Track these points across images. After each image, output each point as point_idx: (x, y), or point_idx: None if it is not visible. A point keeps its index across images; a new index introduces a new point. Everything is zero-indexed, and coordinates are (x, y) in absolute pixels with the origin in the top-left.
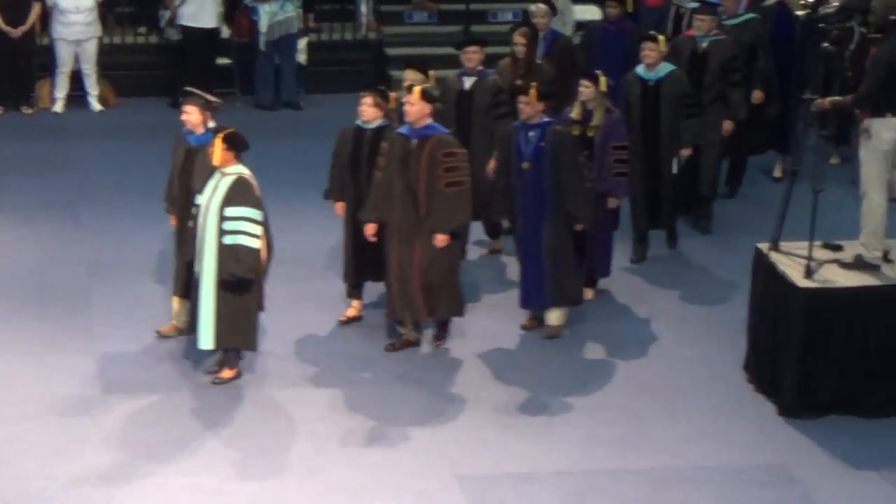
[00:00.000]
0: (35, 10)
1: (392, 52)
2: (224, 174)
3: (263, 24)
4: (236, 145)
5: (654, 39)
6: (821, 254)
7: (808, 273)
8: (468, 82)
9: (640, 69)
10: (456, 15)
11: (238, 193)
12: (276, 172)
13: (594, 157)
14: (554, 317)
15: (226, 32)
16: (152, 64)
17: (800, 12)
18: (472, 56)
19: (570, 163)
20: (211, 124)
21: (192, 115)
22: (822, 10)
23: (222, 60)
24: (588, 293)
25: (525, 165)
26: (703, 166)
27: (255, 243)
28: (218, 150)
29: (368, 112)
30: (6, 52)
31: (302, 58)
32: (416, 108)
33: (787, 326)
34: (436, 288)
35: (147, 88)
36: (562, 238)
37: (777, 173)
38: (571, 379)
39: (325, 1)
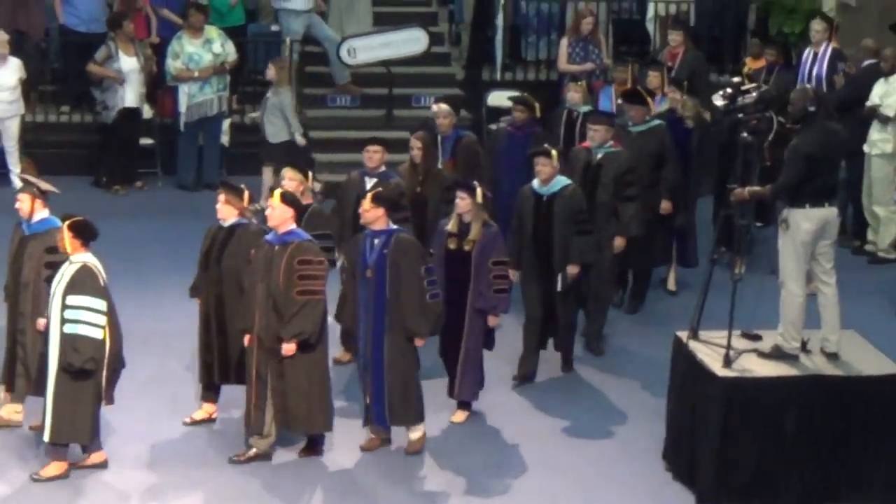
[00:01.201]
0: None
1: (315, 134)
2: (70, 262)
3: (183, 105)
4: (83, 233)
5: (548, 154)
6: (740, 343)
7: (727, 362)
8: (369, 183)
9: (535, 183)
10: (379, 99)
11: (80, 282)
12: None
13: (471, 272)
14: (414, 432)
15: (148, 112)
16: (75, 142)
17: (718, 102)
18: (372, 155)
19: (410, 274)
20: (43, 212)
21: (23, 203)
22: (741, 101)
23: (145, 140)
24: (459, 416)
25: (368, 273)
26: (594, 283)
27: (97, 333)
28: (66, 237)
29: (220, 210)
30: None
31: (225, 139)
32: (276, 212)
33: (705, 414)
34: (296, 400)
35: (69, 167)
36: (402, 352)
37: (671, 286)
38: (486, 463)
39: (249, 83)
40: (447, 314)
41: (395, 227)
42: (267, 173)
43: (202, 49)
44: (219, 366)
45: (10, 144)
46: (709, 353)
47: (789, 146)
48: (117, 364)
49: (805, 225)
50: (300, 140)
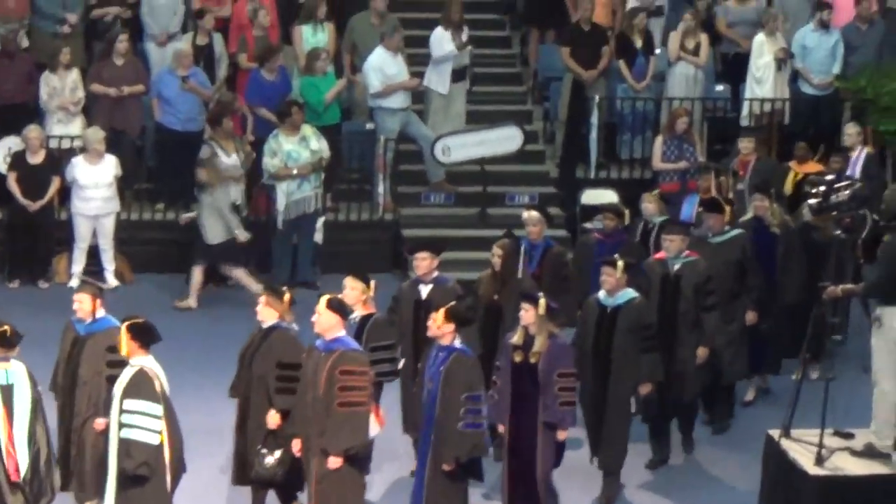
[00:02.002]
0: (54, 185)
1: (409, 233)
2: (130, 365)
3: (281, 203)
4: (142, 336)
5: (613, 264)
6: (832, 441)
7: (819, 460)
8: (424, 291)
9: (600, 294)
10: (473, 197)
11: (137, 386)
12: None
13: (539, 385)
14: None
15: (243, 211)
16: (168, 241)
17: (811, 200)
18: (420, 263)
19: (452, 397)
20: (100, 311)
21: (83, 304)
22: (834, 199)
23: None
24: None
25: (428, 384)
26: (675, 397)
27: (152, 438)
28: (123, 339)
29: (260, 312)
30: (24, 225)
31: (318, 237)
32: (322, 318)
33: None
34: None
35: (163, 265)
36: (441, 476)
37: (749, 397)
38: None
39: (343, 180)
40: (516, 429)
41: (458, 345)
42: (198, 273)
43: (299, 146)
44: (235, 468)
45: (104, 242)
46: (801, 451)
47: (882, 244)
48: (179, 468)
49: None
50: (242, 236)
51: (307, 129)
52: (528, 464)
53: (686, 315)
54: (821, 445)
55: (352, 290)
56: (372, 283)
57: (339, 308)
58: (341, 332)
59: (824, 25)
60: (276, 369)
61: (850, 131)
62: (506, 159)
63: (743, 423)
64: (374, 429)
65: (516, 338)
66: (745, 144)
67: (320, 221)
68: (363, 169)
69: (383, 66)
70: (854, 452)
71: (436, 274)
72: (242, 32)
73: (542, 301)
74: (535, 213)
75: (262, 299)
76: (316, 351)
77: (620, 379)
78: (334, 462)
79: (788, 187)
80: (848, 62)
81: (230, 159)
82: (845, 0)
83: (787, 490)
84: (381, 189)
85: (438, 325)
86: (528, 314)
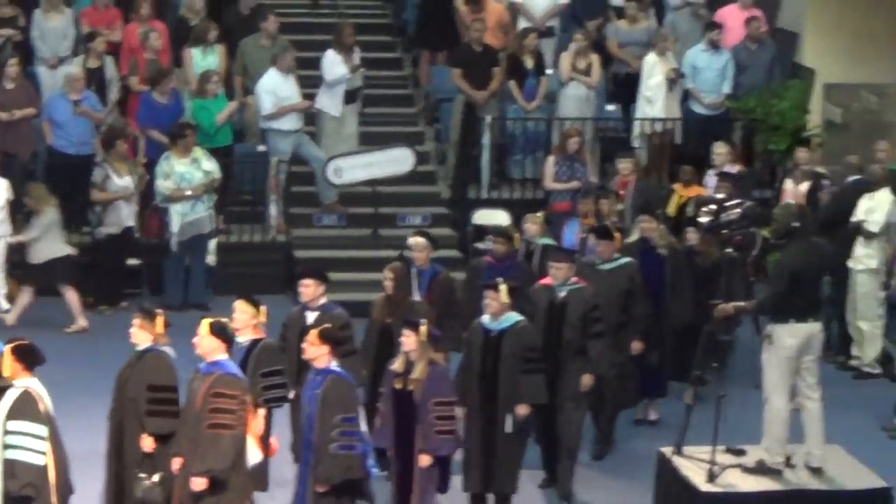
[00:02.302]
0: None
1: (301, 254)
2: (14, 387)
3: (175, 225)
4: (26, 357)
5: (495, 287)
6: (724, 458)
7: (711, 477)
8: (311, 317)
9: (485, 318)
10: (365, 218)
11: (21, 408)
12: (185, 374)
13: (417, 413)
14: None
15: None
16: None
17: (703, 219)
18: (304, 290)
19: (326, 419)
20: None
21: None
22: (724, 217)
23: (132, 261)
24: None
25: (306, 408)
26: (562, 424)
27: (37, 459)
28: (7, 361)
29: (133, 335)
30: None
31: (211, 259)
32: (203, 341)
33: None
34: None
35: (53, 287)
36: (320, 499)
37: (653, 416)
38: None
39: (236, 202)
40: (401, 455)
41: (334, 367)
42: (27, 294)
43: (192, 168)
44: (111, 496)
45: None
46: (693, 468)
47: (774, 262)
48: (66, 490)
49: (789, 340)
50: (72, 251)
51: (198, 151)
52: (407, 489)
53: (571, 343)
54: (712, 462)
55: (242, 313)
56: (262, 307)
57: (221, 332)
58: (222, 356)
59: (714, 45)
60: (146, 392)
61: (719, 150)
62: (398, 180)
63: (636, 443)
64: (255, 456)
65: (397, 364)
66: (625, 165)
67: (213, 243)
68: (255, 191)
69: (275, 88)
70: (746, 469)
71: (323, 301)
72: (134, 55)
73: (424, 327)
74: (420, 240)
75: (136, 322)
76: (198, 373)
77: (509, 403)
78: (197, 483)
79: (672, 210)
80: (738, 82)
81: (123, 181)
82: (735, 20)
83: None
84: (273, 210)
85: (310, 344)
86: (409, 340)
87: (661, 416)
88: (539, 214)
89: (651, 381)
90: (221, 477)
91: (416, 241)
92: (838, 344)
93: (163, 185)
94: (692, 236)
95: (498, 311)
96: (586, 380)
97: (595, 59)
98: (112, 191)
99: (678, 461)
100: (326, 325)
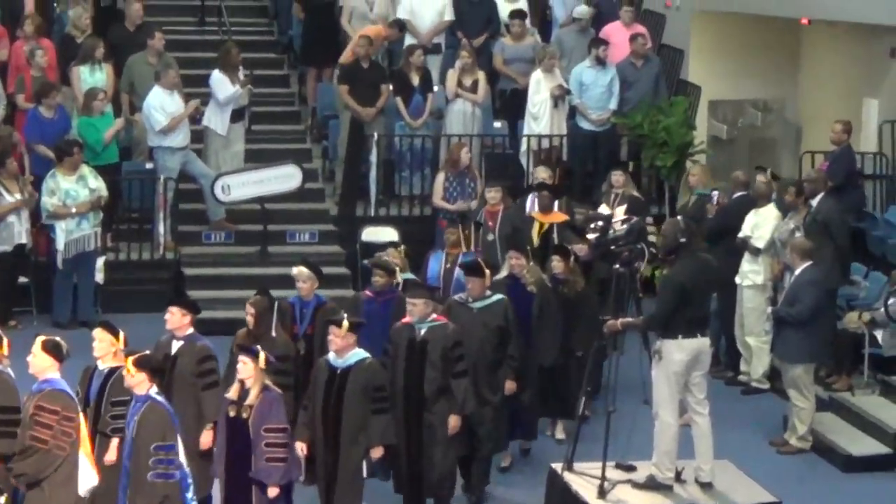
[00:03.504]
0: None
1: (189, 271)
2: None
3: (60, 242)
4: None
5: (339, 324)
6: (614, 474)
7: (602, 493)
8: (175, 346)
9: (330, 355)
10: (254, 235)
11: None
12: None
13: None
14: None
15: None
16: None
17: (590, 235)
18: (170, 318)
19: (142, 446)
20: None
21: None
22: (612, 234)
23: (21, 279)
24: None
25: (126, 434)
26: (427, 470)
27: None
28: None
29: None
30: None
31: (99, 276)
32: (36, 359)
33: None
34: None
35: None
36: None
37: (505, 463)
38: None
39: (124, 220)
40: (233, 485)
41: (153, 394)
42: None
43: (78, 185)
44: None
45: None
46: (584, 484)
47: (661, 277)
48: None
49: (678, 355)
50: None
51: (85, 169)
52: None
53: (433, 382)
54: (603, 478)
55: (101, 341)
56: (121, 335)
57: (54, 349)
58: (54, 374)
59: (601, 62)
60: None
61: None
62: (286, 198)
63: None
64: (90, 479)
65: (232, 392)
66: (493, 194)
67: (101, 261)
68: (143, 208)
69: (163, 105)
70: (636, 485)
71: (190, 331)
72: (20, 73)
73: (263, 355)
74: (304, 270)
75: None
76: (31, 394)
77: (352, 442)
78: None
79: (534, 238)
80: (624, 98)
81: (13, 199)
82: (621, 37)
83: None
84: (161, 228)
85: (130, 375)
86: (245, 368)
87: (531, 454)
88: (401, 248)
89: (520, 422)
90: (31, 481)
91: (300, 270)
92: (727, 359)
93: (48, 201)
94: (557, 265)
95: (341, 348)
96: (453, 421)
97: (481, 75)
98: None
99: (569, 477)
100: (142, 353)
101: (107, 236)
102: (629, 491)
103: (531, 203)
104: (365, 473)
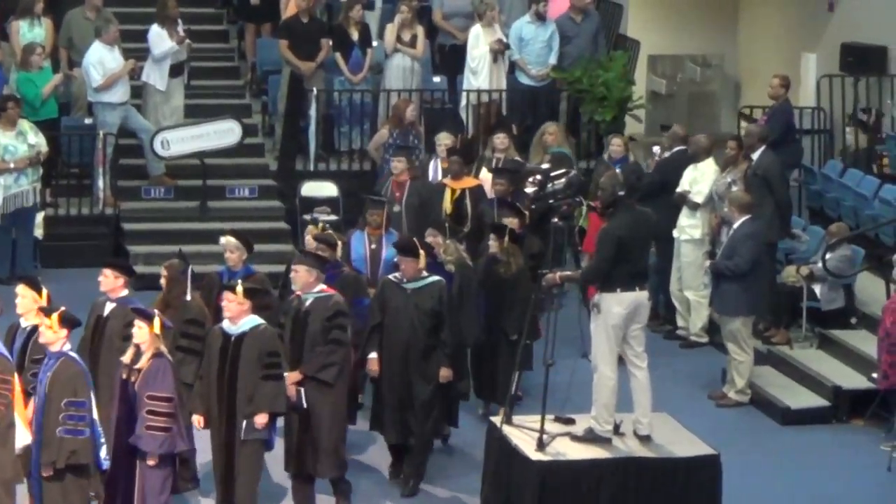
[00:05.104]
0: None
1: (129, 227)
2: None
3: None
4: None
5: (233, 290)
6: (553, 427)
7: (541, 446)
8: (108, 308)
9: (224, 322)
10: (194, 190)
11: None
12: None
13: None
14: None
15: None
16: None
17: (529, 189)
18: (103, 280)
19: (54, 402)
20: None
21: None
22: (550, 187)
23: None
24: None
25: (40, 389)
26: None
27: None
28: None
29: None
30: None
31: (38, 231)
32: None
33: (520, 498)
34: None
35: None
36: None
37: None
38: None
39: (63, 175)
40: (120, 451)
41: (67, 350)
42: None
43: (16, 141)
44: None
45: None
46: (522, 437)
47: (599, 230)
48: None
49: (616, 308)
50: None
51: (24, 124)
52: (129, 488)
53: (311, 353)
54: (542, 431)
55: (23, 298)
56: (44, 291)
57: None
58: None
59: (540, 18)
60: None
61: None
62: (225, 153)
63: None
64: (23, 438)
65: (127, 356)
66: (396, 164)
67: (40, 216)
68: (83, 164)
69: (102, 60)
70: (575, 437)
71: (123, 293)
72: None
73: (158, 319)
74: (232, 239)
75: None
76: None
77: (247, 408)
78: None
79: (447, 206)
80: (564, 52)
81: None
82: None
83: (509, 476)
84: (101, 183)
85: (53, 331)
86: (139, 332)
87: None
88: (320, 225)
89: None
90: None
91: (227, 240)
92: (665, 313)
93: None
94: (494, 244)
95: (237, 314)
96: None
97: (420, 30)
98: None
99: (508, 430)
100: (63, 309)
101: (46, 191)
102: (568, 444)
103: (434, 170)
104: (243, 436)
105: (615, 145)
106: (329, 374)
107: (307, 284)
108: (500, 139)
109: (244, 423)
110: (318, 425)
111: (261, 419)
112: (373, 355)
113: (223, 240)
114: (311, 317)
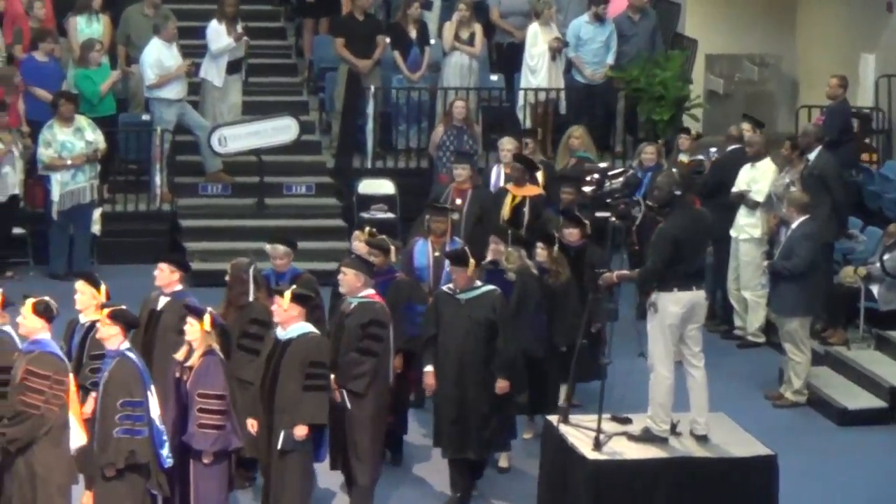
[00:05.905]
0: None
1: (186, 223)
2: None
3: (55, 194)
4: None
5: (281, 294)
6: (610, 426)
7: (597, 445)
8: (161, 302)
9: (278, 328)
10: (250, 187)
11: None
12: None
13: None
14: None
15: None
16: None
17: (587, 188)
18: (158, 274)
19: (111, 402)
20: None
21: None
22: (608, 186)
23: (16, 230)
24: None
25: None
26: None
27: None
28: None
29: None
30: None
31: (95, 228)
32: (26, 321)
33: (576, 498)
34: None
35: None
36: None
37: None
38: None
39: (120, 171)
40: (173, 447)
41: (124, 349)
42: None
43: (74, 137)
44: None
45: None
46: (579, 436)
47: (656, 230)
48: None
49: (673, 308)
50: None
51: (82, 121)
52: (185, 490)
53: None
54: (598, 430)
55: (82, 294)
56: (103, 287)
57: (45, 311)
58: (44, 335)
59: (599, 19)
60: None
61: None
62: (282, 150)
63: None
64: (78, 438)
65: (180, 353)
66: (460, 172)
67: (97, 212)
68: (140, 160)
69: (159, 58)
70: (631, 437)
71: (178, 287)
72: (17, 24)
73: (208, 316)
74: (280, 248)
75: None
76: (20, 353)
77: (284, 417)
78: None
79: (506, 212)
80: (621, 51)
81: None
82: None
83: (565, 475)
84: (157, 180)
85: (104, 326)
86: (191, 329)
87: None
88: (366, 230)
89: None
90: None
91: (275, 248)
92: (722, 313)
93: (44, 153)
94: (541, 253)
95: (285, 321)
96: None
97: (478, 28)
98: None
99: (564, 429)
100: (119, 307)
101: (103, 188)
102: (625, 443)
103: (496, 175)
104: (279, 446)
105: (647, 153)
106: (359, 384)
107: (354, 289)
108: (507, 144)
109: (281, 433)
110: (352, 432)
111: (300, 431)
112: (429, 368)
113: (269, 247)
114: (350, 320)
